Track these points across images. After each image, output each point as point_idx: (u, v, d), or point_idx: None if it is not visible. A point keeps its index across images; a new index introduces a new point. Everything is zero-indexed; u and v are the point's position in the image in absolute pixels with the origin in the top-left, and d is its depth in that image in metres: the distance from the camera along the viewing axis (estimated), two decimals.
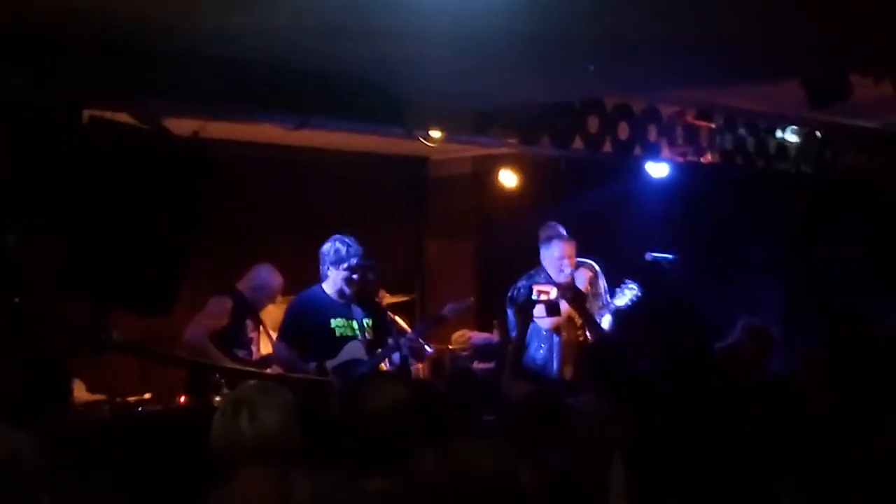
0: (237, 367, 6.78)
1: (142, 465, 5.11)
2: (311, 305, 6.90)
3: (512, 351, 6.41)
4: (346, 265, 6.83)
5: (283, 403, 3.30)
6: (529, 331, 7.35)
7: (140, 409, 6.23)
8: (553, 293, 7.10)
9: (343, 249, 6.84)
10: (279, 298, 7.45)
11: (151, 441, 5.48)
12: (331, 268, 6.88)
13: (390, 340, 6.99)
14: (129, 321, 6.15)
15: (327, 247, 6.89)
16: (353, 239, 6.89)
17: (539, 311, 7.07)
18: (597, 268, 7.75)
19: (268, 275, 7.32)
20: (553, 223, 7.88)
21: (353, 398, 3.38)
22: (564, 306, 7.14)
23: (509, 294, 7.60)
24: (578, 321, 7.50)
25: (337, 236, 6.91)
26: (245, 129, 7.22)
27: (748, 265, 9.95)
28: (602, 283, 7.73)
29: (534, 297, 7.06)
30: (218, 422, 3.28)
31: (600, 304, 7.70)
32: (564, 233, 7.74)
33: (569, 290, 7.14)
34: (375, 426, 3.26)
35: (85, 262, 5.50)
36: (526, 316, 6.67)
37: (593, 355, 5.59)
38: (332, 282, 6.90)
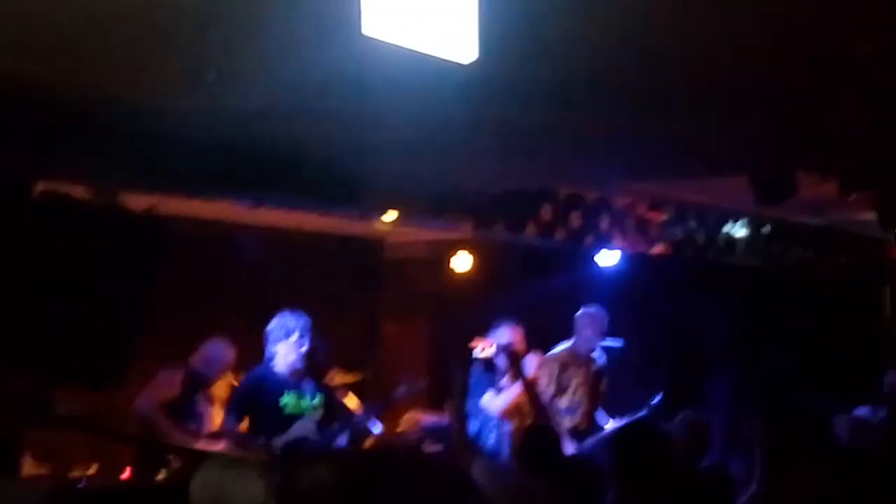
0: (184, 444, 6.74)
1: None
2: (262, 382, 6.86)
3: (455, 412, 6.30)
4: (292, 341, 6.82)
5: (265, 478, 3.31)
6: (480, 418, 7.40)
7: (81, 485, 6.16)
8: (493, 349, 7.17)
9: (289, 326, 6.84)
10: (230, 375, 7.43)
11: None
12: (279, 344, 6.88)
13: (339, 420, 6.98)
14: (79, 395, 6.11)
15: (274, 323, 6.89)
16: (302, 315, 6.88)
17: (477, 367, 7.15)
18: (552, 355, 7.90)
19: (221, 349, 7.31)
20: (590, 306, 8.05)
21: (287, 478, 3.38)
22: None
23: None
24: (526, 409, 7.54)
25: (283, 312, 6.90)
26: (200, 206, 7.24)
27: (696, 355, 10.04)
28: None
29: (475, 352, 7.13)
30: (203, 492, 3.28)
31: (553, 392, 7.82)
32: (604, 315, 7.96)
33: (507, 349, 7.20)
34: None
35: (33, 334, 5.48)
36: (465, 372, 6.62)
37: (529, 439, 5.62)
38: (281, 358, 6.87)
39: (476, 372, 7.55)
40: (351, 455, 6.70)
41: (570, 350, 8.05)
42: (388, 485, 4.36)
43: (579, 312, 8.09)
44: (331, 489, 3.38)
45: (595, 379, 8.11)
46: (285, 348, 6.85)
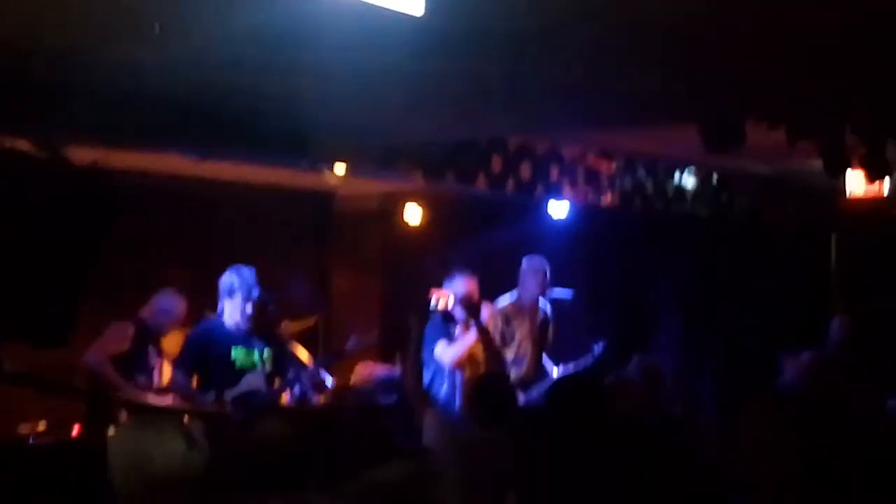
0: (133, 397, 6.71)
1: (28, 499, 5.02)
2: (212, 335, 6.87)
3: (410, 364, 6.34)
4: (240, 296, 6.80)
5: (185, 432, 3.27)
6: (432, 368, 7.43)
7: (31, 440, 6.12)
8: (451, 301, 7.16)
9: (238, 280, 6.81)
10: (182, 330, 7.41)
11: (41, 474, 5.38)
12: (227, 299, 6.85)
13: (290, 373, 6.98)
14: (25, 351, 6.05)
15: (224, 277, 6.87)
16: (251, 270, 6.86)
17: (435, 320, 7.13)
18: (496, 308, 7.93)
19: (171, 301, 7.30)
20: (532, 255, 8.00)
21: (242, 431, 3.37)
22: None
23: None
24: (480, 357, 7.58)
25: (234, 267, 6.88)
26: (148, 159, 7.17)
27: (646, 305, 10.13)
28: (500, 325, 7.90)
29: (432, 304, 7.11)
30: (120, 452, 3.23)
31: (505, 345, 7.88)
32: (545, 265, 7.95)
33: (465, 300, 7.19)
34: (263, 460, 3.25)
35: None
36: (422, 323, 6.65)
37: (483, 388, 5.66)
38: (230, 313, 6.87)
39: (428, 323, 7.58)
40: (301, 410, 6.73)
41: (514, 302, 8.11)
42: (339, 438, 4.39)
43: (522, 264, 8.12)
44: (281, 443, 3.36)
45: (540, 330, 8.17)
46: (233, 304, 6.83)
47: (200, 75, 5.37)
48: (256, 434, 3.42)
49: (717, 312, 10.52)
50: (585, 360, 7.99)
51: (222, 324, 6.89)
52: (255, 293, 6.81)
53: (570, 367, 7.97)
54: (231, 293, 6.83)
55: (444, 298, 7.19)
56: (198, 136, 6.20)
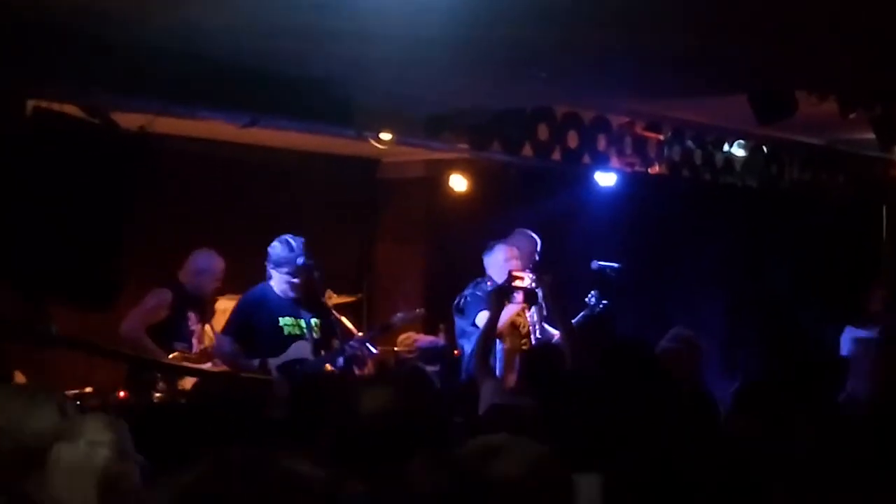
0: (175, 363, 6.76)
1: None
2: (261, 302, 6.89)
3: (482, 339, 6.26)
4: (289, 268, 6.82)
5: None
6: (472, 338, 7.39)
7: (78, 402, 6.18)
8: (528, 280, 6.93)
9: (287, 251, 6.82)
10: (226, 297, 7.44)
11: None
12: (275, 268, 6.87)
13: (337, 342, 7.00)
14: (72, 315, 6.11)
15: (273, 246, 6.87)
16: (300, 240, 6.86)
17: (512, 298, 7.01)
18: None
19: (208, 258, 7.23)
20: (522, 230, 7.91)
21: (345, 400, 3.26)
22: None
23: (455, 302, 7.62)
24: (523, 329, 7.56)
25: (284, 237, 6.87)
26: (194, 125, 7.17)
27: (692, 275, 10.05)
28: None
29: (509, 283, 6.89)
30: None
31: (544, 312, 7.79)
32: (536, 238, 7.80)
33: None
34: (368, 429, 3.12)
35: (25, 254, 5.45)
36: (500, 302, 6.49)
37: (535, 357, 5.63)
38: (276, 282, 6.89)
39: (469, 292, 7.55)
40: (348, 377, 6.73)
41: None
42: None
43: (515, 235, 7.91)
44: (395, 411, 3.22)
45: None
46: (282, 273, 6.85)
47: (248, 40, 5.37)
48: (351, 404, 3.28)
49: (765, 284, 10.43)
50: (583, 314, 7.79)
51: (271, 290, 6.90)
52: (300, 264, 6.80)
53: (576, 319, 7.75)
54: (280, 262, 6.83)
55: (523, 277, 7.01)
56: (243, 101, 6.19)
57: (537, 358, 5.71)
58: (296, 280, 6.83)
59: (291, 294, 6.88)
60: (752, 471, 2.94)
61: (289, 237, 6.87)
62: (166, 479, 1.90)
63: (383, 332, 7.69)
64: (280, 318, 6.85)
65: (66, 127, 5.53)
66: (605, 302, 7.79)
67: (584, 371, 5.53)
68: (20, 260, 5.46)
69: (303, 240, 6.86)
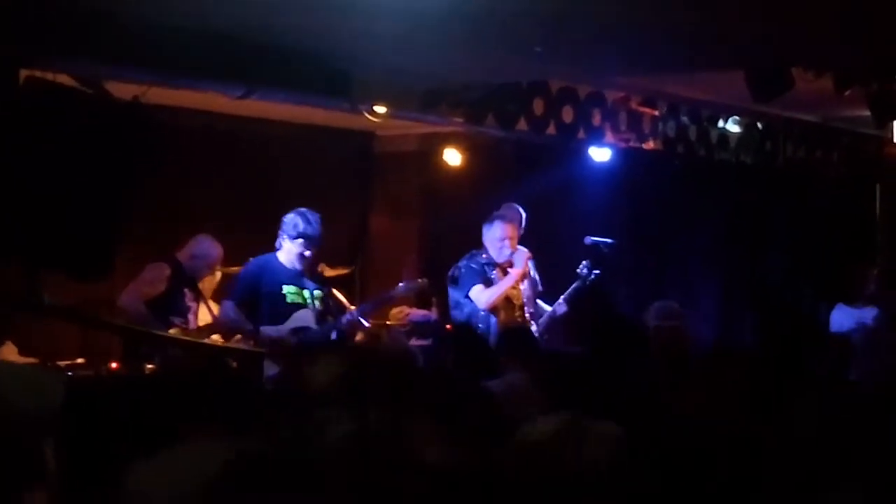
0: (172, 335, 6.77)
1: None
2: (266, 270, 7.02)
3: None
4: (306, 240, 6.93)
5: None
6: (465, 309, 7.42)
7: (70, 373, 6.19)
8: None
9: (305, 223, 6.92)
10: (218, 271, 7.47)
11: (77, 405, 5.42)
12: (287, 239, 6.96)
13: (335, 315, 7.09)
14: (66, 285, 6.10)
15: (289, 218, 6.98)
16: (316, 215, 6.98)
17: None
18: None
19: (208, 245, 7.36)
20: (510, 204, 7.93)
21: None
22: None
23: (450, 273, 7.66)
24: (517, 301, 7.58)
25: (301, 210, 7.00)
26: (188, 96, 7.14)
27: (686, 251, 10.06)
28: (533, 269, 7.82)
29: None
30: None
31: (538, 289, 7.81)
32: (521, 213, 7.80)
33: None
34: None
35: (18, 223, 5.43)
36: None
37: (510, 334, 5.65)
38: (286, 252, 6.99)
39: (464, 264, 7.58)
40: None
41: None
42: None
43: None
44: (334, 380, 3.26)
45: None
46: (294, 245, 6.96)
47: (243, 11, 5.33)
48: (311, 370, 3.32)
49: (759, 261, 10.44)
50: (575, 285, 7.80)
51: (276, 260, 7.03)
52: (314, 239, 6.89)
53: (561, 299, 7.80)
54: (299, 235, 6.93)
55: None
56: (238, 72, 6.17)
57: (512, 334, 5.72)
58: (308, 253, 6.96)
59: (298, 266, 7.01)
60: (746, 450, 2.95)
61: (305, 210, 6.99)
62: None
63: (385, 303, 7.79)
64: (284, 286, 6.98)
65: (59, 96, 5.50)
66: (596, 271, 7.80)
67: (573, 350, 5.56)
68: (14, 229, 5.45)
69: (318, 215, 6.98)
